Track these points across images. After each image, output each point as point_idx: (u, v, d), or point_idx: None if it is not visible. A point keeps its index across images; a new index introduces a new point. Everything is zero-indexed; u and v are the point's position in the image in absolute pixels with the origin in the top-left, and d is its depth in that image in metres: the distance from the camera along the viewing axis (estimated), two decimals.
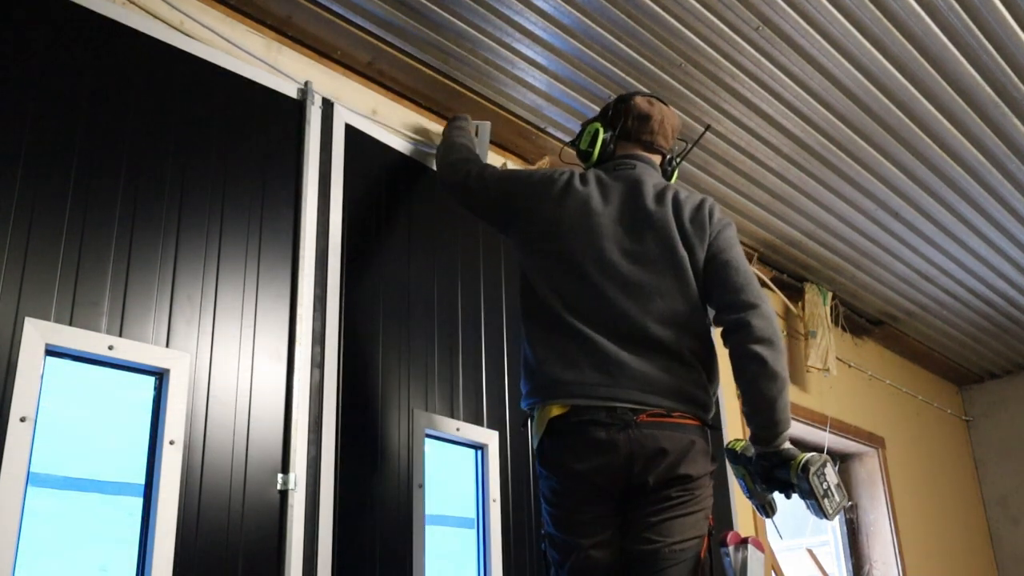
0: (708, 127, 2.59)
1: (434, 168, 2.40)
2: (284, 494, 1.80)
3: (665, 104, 2.06)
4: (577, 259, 1.84)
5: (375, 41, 2.39)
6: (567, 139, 2.88)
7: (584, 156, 2.07)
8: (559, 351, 1.79)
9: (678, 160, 2.11)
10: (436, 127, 2.67)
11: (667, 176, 2.06)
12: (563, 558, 1.76)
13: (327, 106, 2.18)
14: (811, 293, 3.96)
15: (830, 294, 4.05)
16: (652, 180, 1.94)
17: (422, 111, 2.63)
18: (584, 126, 2.10)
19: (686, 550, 1.70)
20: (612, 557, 1.74)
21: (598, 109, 2.71)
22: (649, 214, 1.87)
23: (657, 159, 2.03)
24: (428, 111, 2.65)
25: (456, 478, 2.25)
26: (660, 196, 1.90)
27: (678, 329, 1.79)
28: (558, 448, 1.76)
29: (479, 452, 2.25)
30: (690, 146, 2.22)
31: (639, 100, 2.03)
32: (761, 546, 2.24)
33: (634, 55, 2.53)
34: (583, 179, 1.95)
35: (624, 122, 2.01)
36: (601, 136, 2.02)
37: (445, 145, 2.29)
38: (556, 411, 1.76)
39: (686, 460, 1.72)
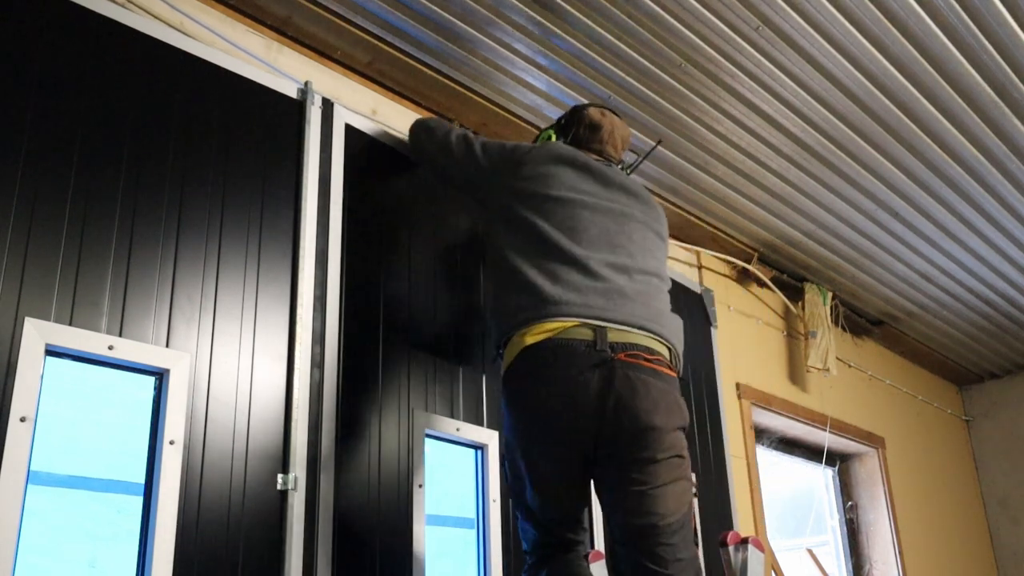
0: (659, 141, 2.65)
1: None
2: (284, 494, 1.80)
3: (617, 116, 2.15)
4: (571, 196, 1.92)
5: (375, 41, 2.39)
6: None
7: None
8: (556, 275, 1.81)
9: (628, 172, 2.21)
10: None
11: None
12: (520, 490, 1.80)
13: (327, 106, 2.18)
14: (811, 293, 3.96)
15: (830, 294, 4.05)
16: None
17: (422, 111, 2.63)
18: (540, 132, 2.20)
19: (681, 517, 1.69)
20: (574, 504, 1.78)
21: None
22: (627, 186, 2.02)
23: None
24: (428, 111, 2.65)
25: (456, 478, 2.25)
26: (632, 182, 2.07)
27: (659, 280, 1.92)
28: (532, 375, 1.74)
29: (479, 452, 2.25)
30: (639, 160, 2.36)
31: (592, 111, 2.14)
32: (761, 546, 2.23)
33: (634, 55, 2.53)
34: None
35: (576, 130, 2.12)
36: (553, 140, 2.13)
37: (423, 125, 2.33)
38: (531, 339, 1.74)
39: (661, 411, 1.69)
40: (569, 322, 1.73)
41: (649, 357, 1.73)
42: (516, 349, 1.77)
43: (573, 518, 1.82)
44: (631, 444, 1.68)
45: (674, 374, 1.80)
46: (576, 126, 2.12)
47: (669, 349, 1.83)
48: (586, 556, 1.89)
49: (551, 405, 1.71)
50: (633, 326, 1.75)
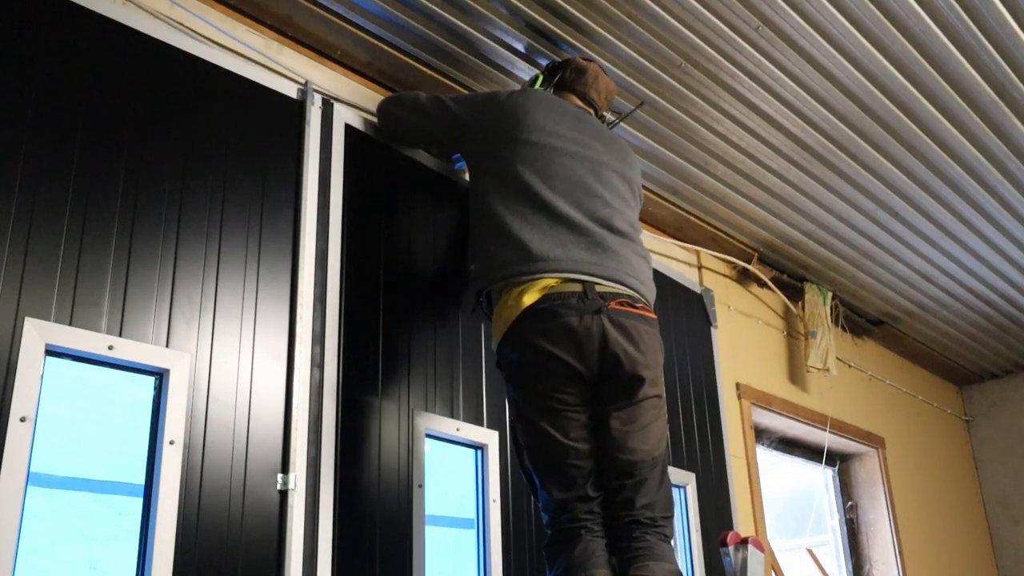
0: (641, 103, 2.67)
1: (432, 166, 2.40)
2: (284, 494, 1.79)
3: (603, 71, 2.27)
4: (548, 141, 2.00)
5: (375, 41, 2.39)
6: None
7: None
8: (542, 230, 1.89)
9: (609, 127, 2.32)
10: None
11: None
12: (537, 443, 1.82)
13: (327, 106, 2.18)
14: (811, 293, 3.96)
15: (830, 294, 4.05)
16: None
17: None
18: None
19: (662, 451, 1.83)
20: (588, 444, 1.81)
21: None
22: (603, 134, 2.10)
23: (591, 111, 2.22)
24: None
25: (456, 478, 2.25)
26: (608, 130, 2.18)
27: (633, 230, 2.01)
28: (533, 331, 1.81)
29: (479, 452, 2.25)
30: (618, 120, 2.48)
31: (578, 59, 2.28)
32: (761, 546, 2.24)
33: (634, 55, 2.53)
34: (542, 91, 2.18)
35: (563, 73, 2.23)
36: (540, 81, 2.25)
37: (390, 98, 2.35)
38: (528, 299, 1.82)
39: (650, 352, 1.83)
40: (558, 277, 1.83)
41: (635, 304, 1.86)
42: (513, 311, 1.83)
43: (589, 467, 1.81)
44: (623, 387, 1.80)
45: (655, 316, 1.93)
46: (563, 70, 2.24)
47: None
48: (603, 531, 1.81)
49: (560, 355, 1.78)
50: (615, 281, 1.86)
